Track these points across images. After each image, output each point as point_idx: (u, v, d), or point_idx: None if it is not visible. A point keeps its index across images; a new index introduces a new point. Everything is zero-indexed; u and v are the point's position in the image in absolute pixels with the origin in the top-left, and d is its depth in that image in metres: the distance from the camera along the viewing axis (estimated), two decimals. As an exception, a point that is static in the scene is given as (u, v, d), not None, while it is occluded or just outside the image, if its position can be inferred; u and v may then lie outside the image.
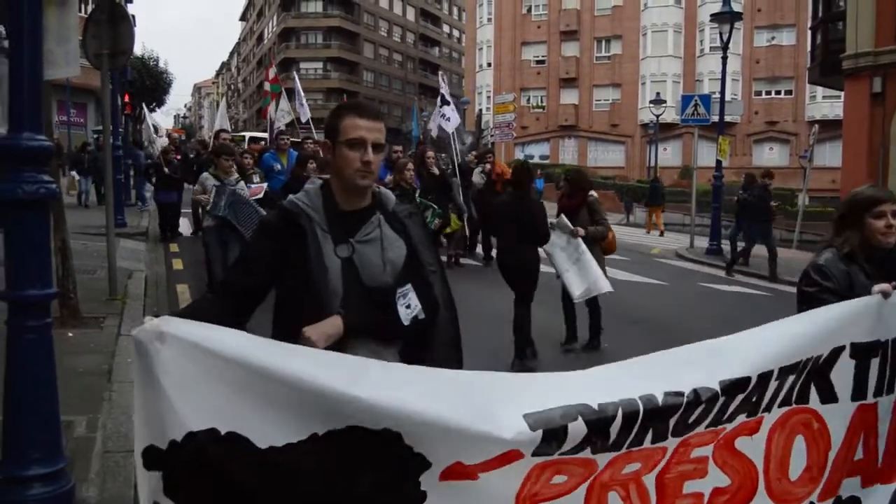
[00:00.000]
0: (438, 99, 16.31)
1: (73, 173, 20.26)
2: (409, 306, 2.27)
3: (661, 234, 24.56)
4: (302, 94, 18.28)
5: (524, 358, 6.73)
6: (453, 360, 2.42)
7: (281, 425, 1.81)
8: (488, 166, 12.79)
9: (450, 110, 15.49)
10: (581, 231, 7.26)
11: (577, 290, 7.19)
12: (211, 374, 1.81)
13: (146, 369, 1.83)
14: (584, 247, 7.23)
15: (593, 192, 7.80)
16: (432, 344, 2.39)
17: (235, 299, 2.29)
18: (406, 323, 2.26)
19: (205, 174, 8.11)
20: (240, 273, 2.38)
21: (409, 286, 2.30)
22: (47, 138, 3.09)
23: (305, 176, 8.35)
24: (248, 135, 32.00)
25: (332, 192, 2.34)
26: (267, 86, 20.19)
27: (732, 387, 2.12)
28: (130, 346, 5.84)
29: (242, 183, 8.03)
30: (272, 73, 20.15)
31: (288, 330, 2.19)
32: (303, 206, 2.30)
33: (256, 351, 1.84)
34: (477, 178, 12.81)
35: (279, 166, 10.51)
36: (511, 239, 6.96)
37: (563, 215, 7.37)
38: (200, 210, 9.67)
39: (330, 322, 2.16)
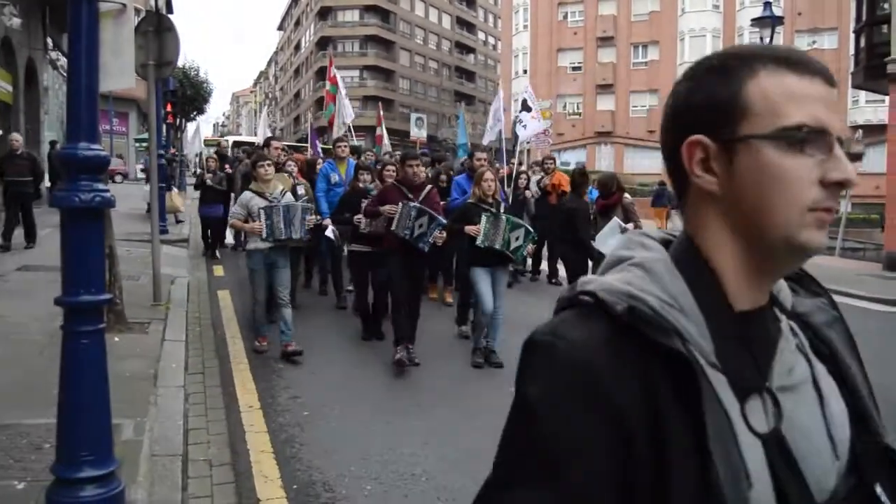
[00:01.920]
0: (520, 104, 15.78)
1: (175, 189, 18.80)
2: None
3: None
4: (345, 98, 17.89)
5: None
6: None
7: None
8: (546, 178, 11.64)
9: (528, 117, 15.05)
10: (630, 226, 7.77)
11: None
12: None
13: None
14: None
15: (627, 196, 8.49)
16: None
17: None
18: None
19: (246, 194, 6.96)
20: None
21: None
22: (102, 148, 3.16)
23: (362, 189, 7.88)
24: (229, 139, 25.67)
25: (715, 267, 0.94)
26: (328, 86, 18.10)
27: None
28: (175, 350, 5.95)
29: (290, 195, 7.21)
30: (333, 71, 18.26)
31: None
32: (661, 309, 0.87)
33: None
34: (533, 188, 11.50)
35: (337, 177, 9.31)
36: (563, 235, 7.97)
37: (615, 217, 7.89)
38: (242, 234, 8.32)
39: None
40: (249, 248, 6.95)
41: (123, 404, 4.78)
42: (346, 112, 17.32)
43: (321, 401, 5.74)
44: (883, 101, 25.99)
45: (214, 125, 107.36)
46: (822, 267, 17.51)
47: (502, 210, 7.17)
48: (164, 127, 21.28)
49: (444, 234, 6.73)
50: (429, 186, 7.15)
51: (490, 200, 7.01)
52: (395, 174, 7.48)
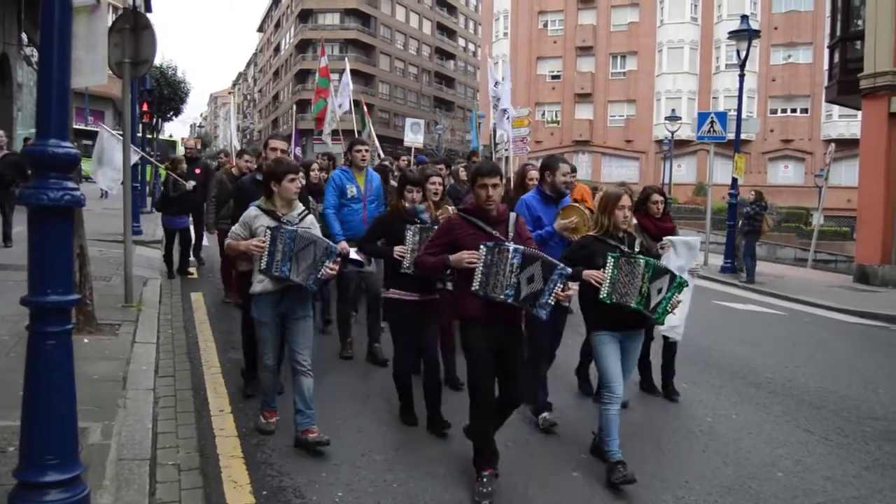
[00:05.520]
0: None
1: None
2: None
3: None
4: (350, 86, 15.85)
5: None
6: None
7: None
8: None
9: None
10: (698, 268, 6.20)
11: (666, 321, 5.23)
12: None
13: None
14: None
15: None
16: None
17: None
18: None
19: (252, 209, 5.04)
20: None
21: None
22: (73, 146, 3.10)
23: (410, 210, 5.54)
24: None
25: None
26: (318, 79, 16.43)
27: None
28: (145, 353, 5.81)
29: (312, 217, 5.18)
30: (323, 61, 16.22)
31: None
32: None
33: None
34: None
35: (355, 189, 7.37)
36: None
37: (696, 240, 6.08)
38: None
39: None
40: (255, 292, 4.99)
41: (91, 407, 4.71)
42: (344, 99, 15.42)
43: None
44: (855, 115, 26.43)
45: (192, 126, 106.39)
46: (794, 278, 17.75)
47: (637, 247, 4.87)
48: (141, 126, 21.06)
49: (571, 290, 4.45)
50: (513, 215, 4.69)
51: (621, 234, 4.86)
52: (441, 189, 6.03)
